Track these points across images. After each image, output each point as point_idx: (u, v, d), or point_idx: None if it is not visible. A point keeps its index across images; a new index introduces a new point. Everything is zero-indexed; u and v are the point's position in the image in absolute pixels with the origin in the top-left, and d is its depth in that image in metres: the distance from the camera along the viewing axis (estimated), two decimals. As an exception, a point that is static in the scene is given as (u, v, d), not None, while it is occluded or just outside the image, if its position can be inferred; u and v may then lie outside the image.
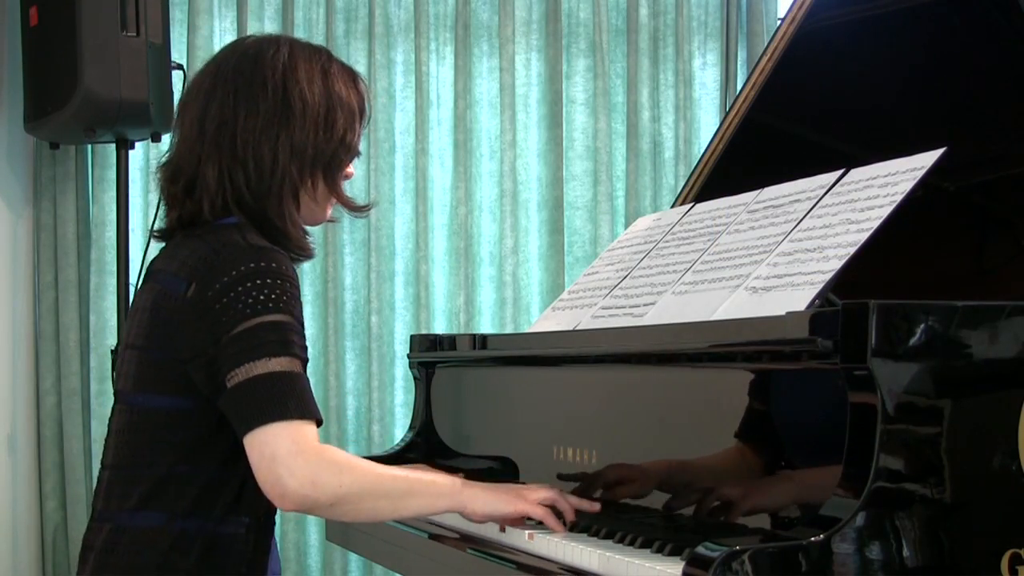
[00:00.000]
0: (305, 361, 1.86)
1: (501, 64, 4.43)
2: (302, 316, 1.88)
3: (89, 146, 4.16)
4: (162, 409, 1.89)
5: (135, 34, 3.73)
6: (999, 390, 1.66)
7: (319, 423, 1.84)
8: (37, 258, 4.17)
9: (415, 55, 4.38)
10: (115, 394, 2.00)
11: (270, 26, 4.29)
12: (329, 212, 2.05)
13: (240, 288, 1.83)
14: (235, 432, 1.83)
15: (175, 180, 1.97)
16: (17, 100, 4.01)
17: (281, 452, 1.78)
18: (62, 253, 4.14)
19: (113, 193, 4.04)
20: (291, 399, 1.80)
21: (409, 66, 4.42)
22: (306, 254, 2.01)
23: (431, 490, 1.94)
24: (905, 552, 1.58)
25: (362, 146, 4.46)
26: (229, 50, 2.03)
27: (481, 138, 4.47)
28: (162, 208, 2.04)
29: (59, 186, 4.14)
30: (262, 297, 1.82)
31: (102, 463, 1.99)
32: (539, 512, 1.97)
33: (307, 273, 4.34)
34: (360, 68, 4.37)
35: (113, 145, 3.97)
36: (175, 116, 2.03)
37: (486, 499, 1.96)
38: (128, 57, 3.71)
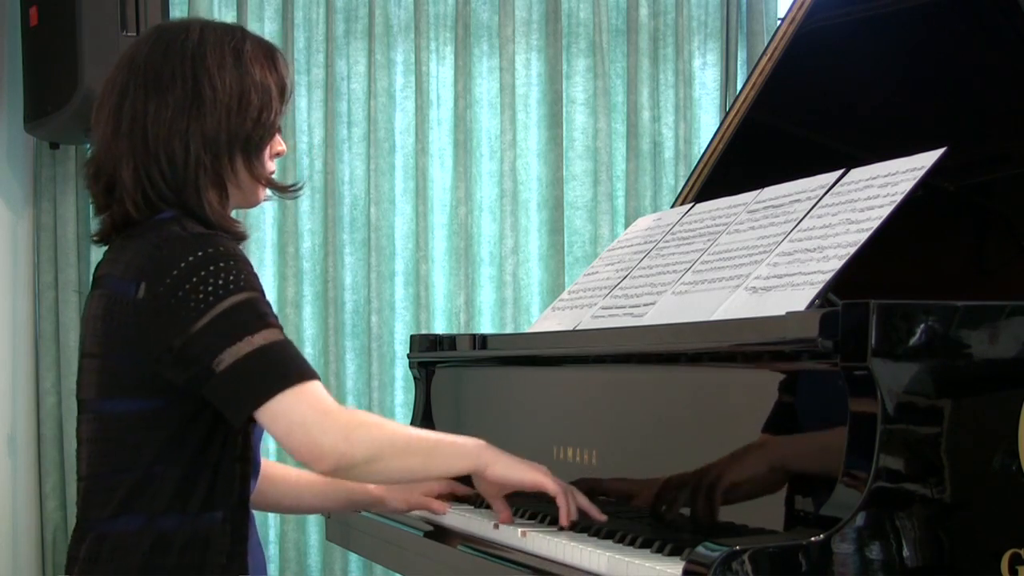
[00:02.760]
0: (281, 328, 1.86)
1: (501, 64, 4.43)
2: (261, 287, 1.87)
3: (89, 146, 4.16)
4: (130, 412, 1.88)
5: (135, 34, 3.73)
6: (999, 390, 1.66)
7: (319, 378, 1.86)
8: (37, 258, 4.17)
9: (415, 55, 4.38)
10: (79, 404, 1.99)
11: (270, 26, 4.30)
12: (262, 193, 2.02)
13: (194, 279, 1.81)
14: (229, 414, 1.83)
15: (97, 180, 1.96)
16: (17, 100, 4.02)
17: (309, 416, 1.80)
18: (62, 253, 4.14)
19: (113, 193, 4.04)
20: (290, 365, 1.81)
21: (409, 66, 4.42)
22: (237, 239, 1.96)
23: (455, 450, 1.97)
24: (905, 552, 1.58)
25: (361, 147, 4.43)
26: (142, 40, 1.99)
27: (481, 138, 4.47)
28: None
29: (59, 186, 4.14)
30: (220, 282, 1.81)
31: (78, 475, 1.98)
32: (554, 488, 1.96)
33: (307, 273, 4.35)
34: (360, 68, 4.39)
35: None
36: (93, 113, 1.99)
37: (506, 463, 1.97)
38: (128, 57, 3.71)
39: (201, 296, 1.80)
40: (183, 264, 1.82)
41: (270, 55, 2.01)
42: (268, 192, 2.04)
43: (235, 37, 1.98)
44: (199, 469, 1.87)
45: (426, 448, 1.94)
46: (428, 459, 1.94)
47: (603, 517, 1.99)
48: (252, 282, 1.84)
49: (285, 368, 1.81)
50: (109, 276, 1.91)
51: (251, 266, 1.87)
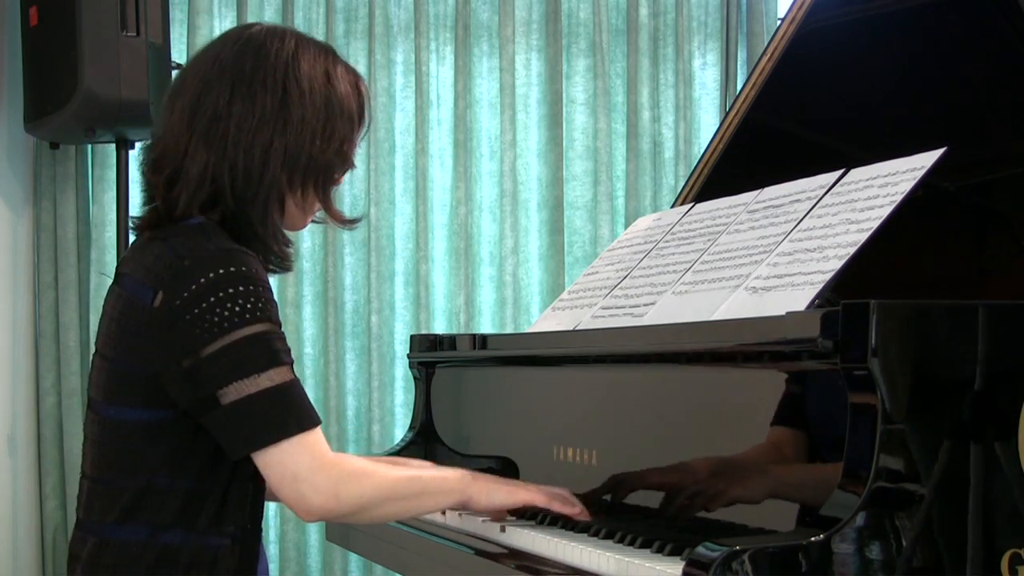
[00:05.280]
0: (292, 363, 1.83)
1: (501, 64, 4.44)
2: (278, 316, 1.84)
3: (89, 146, 4.16)
4: (135, 421, 1.84)
5: (135, 34, 3.73)
6: (999, 390, 1.66)
7: (320, 423, 1.83)
8: (37, 258, 4.17)
9: (415, 55, 4.38)
10: (88, 401, 1.95)
11: (270, 26, 4.29)
12: (310, 220, 1.99)
13: (212, 299, 1.76)
14: (225, 447, 1.80)
15: (158, 170, 1.89)
16: (17, 100, 4.02)
17: (302, 470, 1.78)
18: (62, 253, 4.14)
19: (113, 193, 4.04)
20: (292, 414, 1.78)
21: (409, 66, 4.42)
22: (285, 266, 1.94)
23: (442, 487, 1.98)
24: (905, 552, 1.58)
25: (361, 147, 4.46)
26: (231, 38, 1.93)
27: (481, 138, 4.47)
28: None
29: (59, 186, 4.14)
30: (237, 308, 1.77)
31: (82, 471, 1.95)
32: (542, 500, 2.00)
33: (307, 273, 4.35)
34: (360, 68, 4.37)
35: (113, 145, 3.97)
36: (165, 100, 1.93)
37: (490, 492, 2.00)
38: (128, 57, 3.71)
39: (216, 319, 1.76)
40: (203, 280, 1.77)
41: (355, 82, 1.97)
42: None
43: (328, 58, 1.94)
44: (208, 486, 1.84)
45: (414, 492, 1.94)
46: (415, 502, 1.95)
47: (587, 517, 2.03)
48: (269, 311, 1.80)
49: (285, 416, 1.78)
50: (129, 277, 1.86)
51: (271, 291, 1.83)
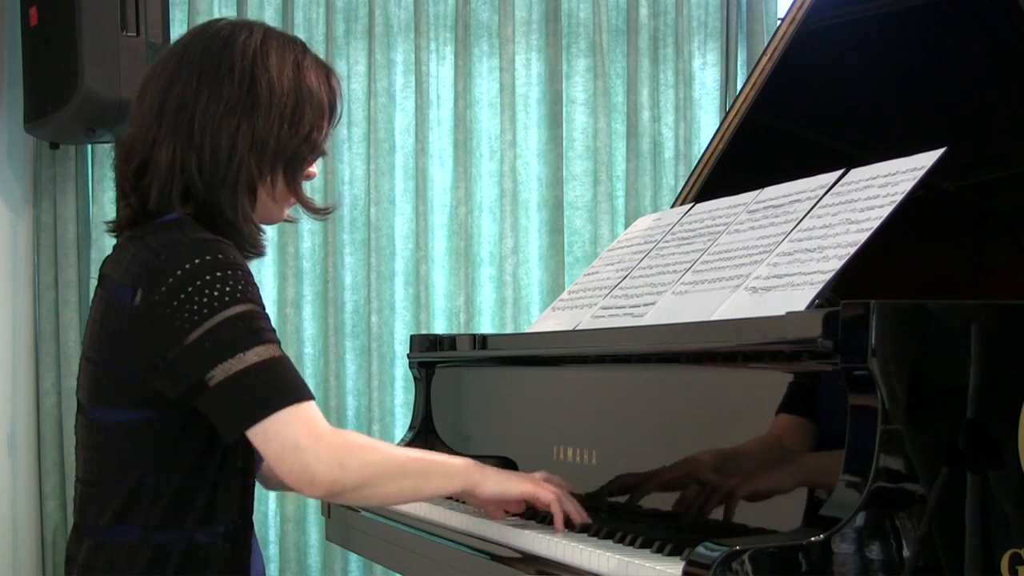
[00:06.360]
0: (278, 342, 1.81)
1: (501, 64, 4.44)
2: (261, 299, 1.82)
3: (89, 146, 4.16)
4: (121, 423, 1.84)
5: (135, 34, 3.73)
6: (999, 390, 1.66)
7: (313, 398, 1.82)
8: (37, 258, 4.17)
9: (415, 55, 4.38)
10: (77, 404, 1.94)
11: (270, 26, 4.29)
12: (286, 212, 1.98)
13: (190, 288, 1.76)
14: (220, 430, 1.79)
15: (128, 160, 1.90)
16: (17, 100, 4.02)
17: (302, 440, 1.76)
18: (62, 253, 4.15)
19: (113, 193, 4.03)
20: (283, 386, 1.77)
21: (409, 66, 4.42)
22: (257, 251, 1.93)
23: (446, 470, 1.96)
24: (905, 552, 1.58)
25: (361, 147, 4.43)
26: (199, 31, 1.94)
27: (481, 138, 4.47)
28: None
29: (59, 186, 4.14)
30: (215, 293, 1.76)
31: (76, 475, 1.95)
32: (548, 497, 1.98)
33: (307, 273, 4.35)
34: (360, 68, 4.40)
35: (113, 145, 3.97)
36: (135, 95, 1.94)
37: (496, 480, 1.98)
38: (128, 57, 3.71)
39: (196, 307, 1.76)
40: (179, 272, 1.77)
41: (326, 73, 1.97)
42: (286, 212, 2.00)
43: (296, 48, 1.94)
44: (197, 483, 1.83)
45: (417, 471, 1.92)
46: (419, 483, 1.92)
47: (584, 520, 2.01)
48: (250, 293, 1.79)
49: (276, 389, 1.76)
50: (110, 278, 1.87)
51: (251, 275, 1.82)
